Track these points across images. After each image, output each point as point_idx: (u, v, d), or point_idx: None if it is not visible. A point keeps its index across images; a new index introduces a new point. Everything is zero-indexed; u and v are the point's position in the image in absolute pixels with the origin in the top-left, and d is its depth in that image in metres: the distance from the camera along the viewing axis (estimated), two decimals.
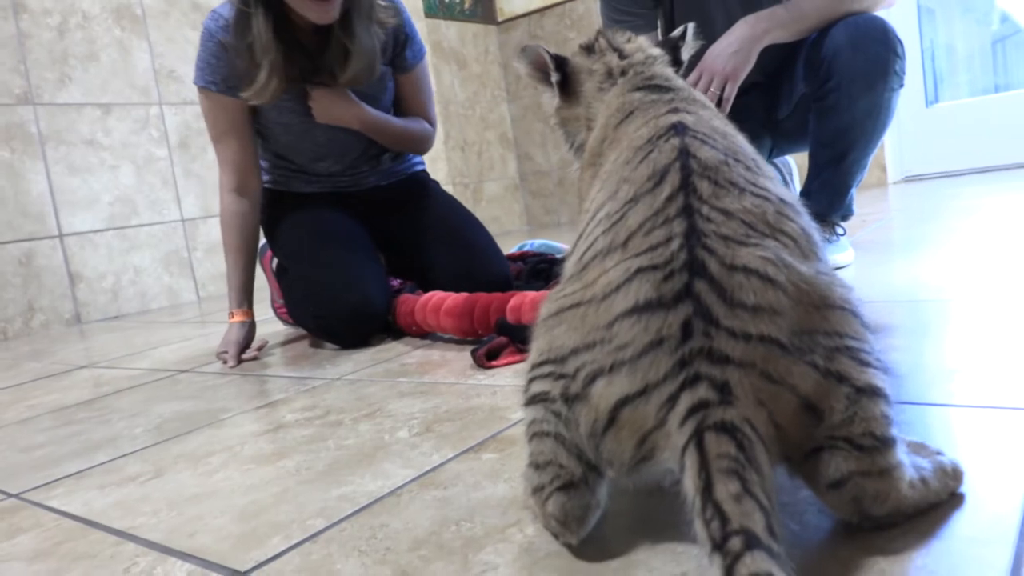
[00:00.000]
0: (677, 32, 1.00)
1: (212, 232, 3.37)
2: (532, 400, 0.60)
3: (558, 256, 2.21)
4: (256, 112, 1.73)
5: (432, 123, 1.91)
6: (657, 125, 0.70)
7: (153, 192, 3.20)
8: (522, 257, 2.19)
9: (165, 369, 1.72)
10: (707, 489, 0.46)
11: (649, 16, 1.83)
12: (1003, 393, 0.78)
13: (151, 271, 3.19)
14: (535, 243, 2.38)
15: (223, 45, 1.61)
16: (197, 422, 1.20)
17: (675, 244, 0.56)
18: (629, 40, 0.93)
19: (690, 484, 0.47)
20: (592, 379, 0.54)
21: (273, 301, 2.08)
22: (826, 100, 1.61)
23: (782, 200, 0.63)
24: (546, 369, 0.59)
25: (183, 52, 3.29)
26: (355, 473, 0.85)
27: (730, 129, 0.72)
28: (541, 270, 1.89)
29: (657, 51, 0.93)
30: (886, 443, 0.52)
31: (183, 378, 1.58)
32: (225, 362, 1.65)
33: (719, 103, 1.56)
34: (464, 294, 1.52)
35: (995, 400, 0.77)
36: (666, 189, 0.61)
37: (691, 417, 0.49)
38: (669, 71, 0.88)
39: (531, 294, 1.40)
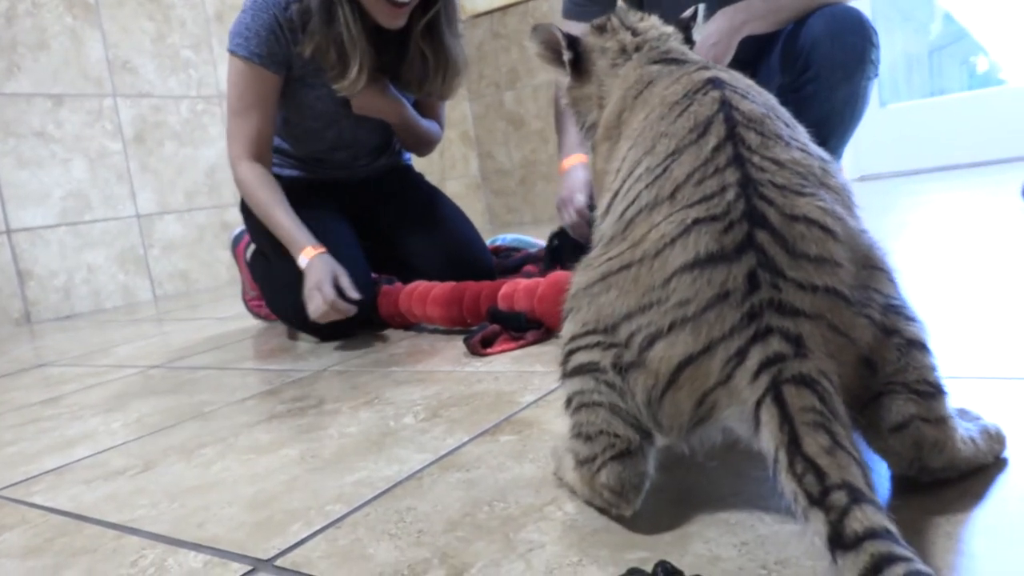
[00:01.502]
0: (688, 12, 0.99)
1: (169, 229, 3.27)
2: (577, 371, 0.58)
3: (532, 251, 2.20)
4: (288, 93, 1.68)
5: (442, 126, 1.91)
6: (691, 80, 0.69)
7: (107, 187, 3.08)
8: (495, 252, 2.18)
9: (133, 365, 1.65)
10: (794, 443, 0.44)
11: (607, 4, 1.78)
12: (984, 364, 0.79)
13: (105, 269, 3.07)
14: (507, 238, 2.36)
15: (278, 21, 1.56)
16: (181, 415, 1.15)
17: (731, 194, 0.55)
18: (642, 19, 0.92)
19: (770, 440, 0.46)
20: (651, 342, 0.53)
21: (245, 293, 2.02)
22: (804, 90, 1.63)
23: (822, 157, 0.63)
24: (591, 339, 0.57)
25: (138, 43, 3.18)
26: (366, 459, 0.82)
27: (768, 98, 0.71)
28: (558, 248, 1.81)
29: (670, 28, 0.92)
30: (939, 390, 0.53)
31: (155, 373, 1.52)
32: (324, 302, 1.42)
33: None
34: (451, 283, 1.49)
35: (976, 371, 0.77)
36: (711, 140, 0.59)
37: (765, 371, 0.48)
38: (684, 47, 0.88)
39: (523, 282, 1.38)
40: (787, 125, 0.64)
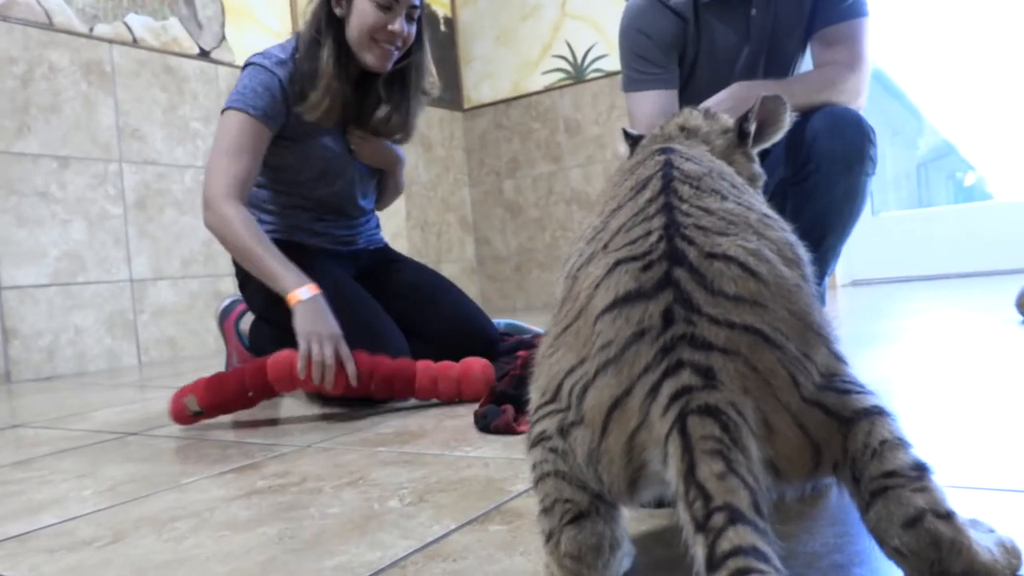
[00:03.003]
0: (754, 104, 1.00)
1: (161, 295, 3.25)
2: (534, 443, 0.57)
3: (525, 336, 2.19)
4: (297, 148, 1.73)
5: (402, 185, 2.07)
6: (646, 152, 0.73)
7: (104, 249, 3.08)
8: None
9: (111, 431, 1.60)
10: (690, 471, 0.43)
11: (671, 71, 1.80)
12: (990, 475, 0.77)
13: (92, 331, 3.03)
14: (501, 322, 2.35)
15: (277, 82, 1.65)
16: (156, 485, 1.10)
17: (654, 236, 0.56)
18: (704, 114, 0.95)
19: (673, 470, 0.45)
20: (584, 392, 0.52)
21: (230, 366, 1.98)
22: (806, 183, 1.64)
23: (767, 214, 0.63)
24: (546, 409, 0.57)
25: (149, 112, 3.25)
26: (347, 543, 0.78)
27: (721, 166, 0.74)
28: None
29: (727, 125, 0.95)
30: (923, 469, 0.50)
31: (133, 440, 1.47)
32: (318, 357, 1.42)
33: None
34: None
35: (983, 482, 0.75)
36: (647, 194, 0.62)
37: (674, 403, 0.47)
38: (691, 143, 0.89)
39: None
40: (733, 187, 0.66)
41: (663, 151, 0.69)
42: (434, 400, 1.55)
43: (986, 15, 3.85)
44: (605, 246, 0.59)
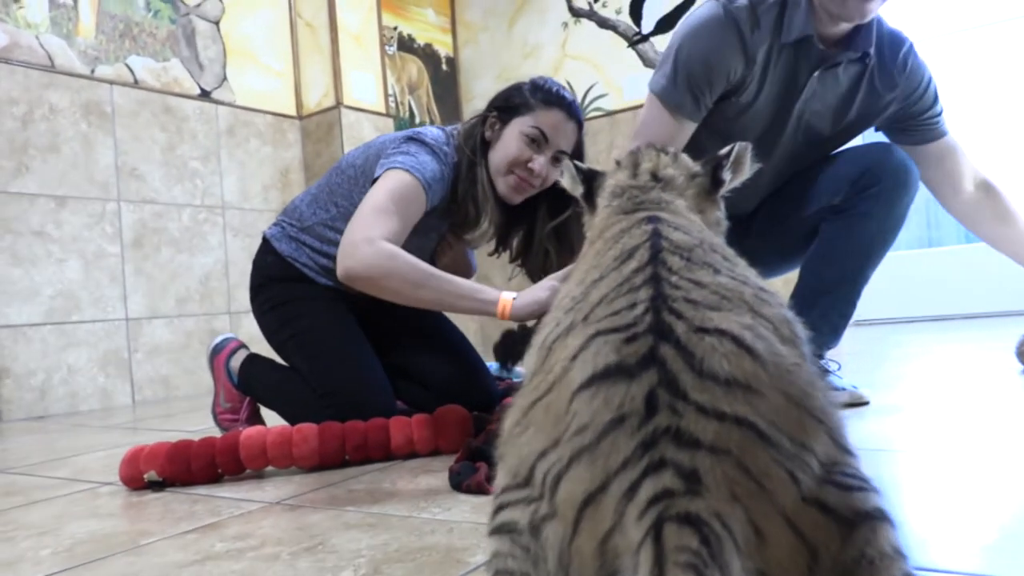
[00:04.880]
0: (724, 150, 0.96)
1: (156, 333, 3.24)
2: (497, 530, 0.53)
3: (516, 380, 2.17)
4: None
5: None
6: (631, 219, 0.69)
7: (99, 288, 3.08)
8: None
9: (86, 480, 1.58)
10: None
11: (702, 106, 1.64)
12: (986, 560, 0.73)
13: (85, 371, 3.02)
14: (492, 366, 2.32)
15: (446, 175, 1.65)
16: (113, 547, 1.07)
17: (639, 308, 0.51)
18: (659, 156, 0.92)
19: None
20: (557, 481, 0.47)
21: (217, 406, 1.96)
22: (857, 208, 1.61)
23: (762, 288, 0.59)
24: (516, 495, 0.52)
25: (148, 151, 3.27)
26: None
27: (711, 237, 0.70)
28: None
29: (690, 170, 0.92)
30: None
31: (104, 491, 1.45)
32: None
33: None
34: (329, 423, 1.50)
35: (978, 567, 0.72)
36: (633, 263, 0.57)
37: (651, 508, 0.42)
38: (668, 196, 0.86)
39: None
40: (725, 259, 0.62)
41: (650, 220, 0.65)
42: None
43: (992, 52, 3.85)
44: (585, 317, 0.55)
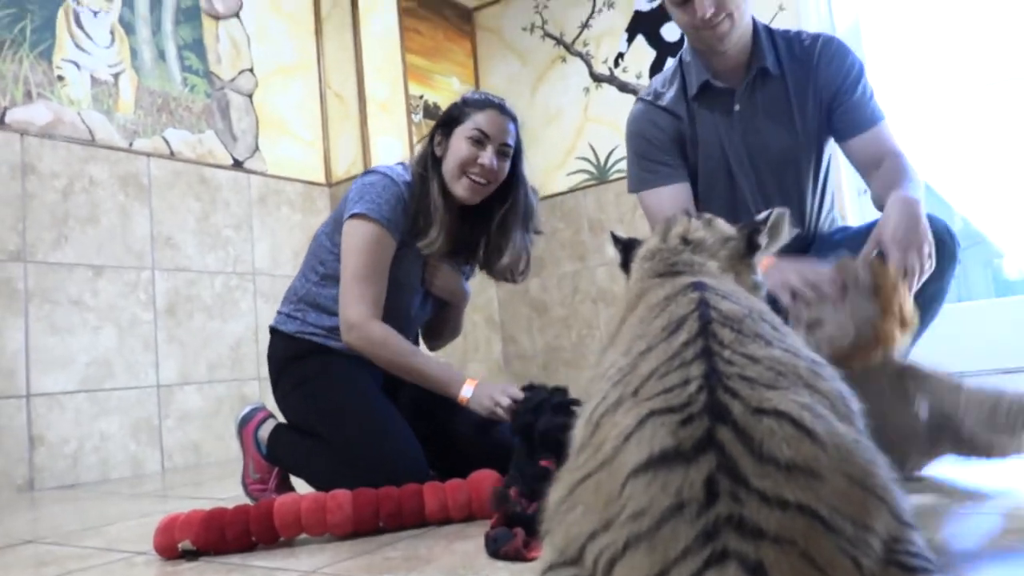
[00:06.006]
0: (762, 215, 0.98)
1: (188, 400, 3.26)
2: None
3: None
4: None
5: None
6: (675, 285, 0.68)
7: (132, 355, 3.12)
8: None
9: (120, 549, 1.57)
10: None
11: (677, 167, 1.83)
12: None
13: (117, 438, 3.03)
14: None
15: (403, 195, 1.79)
16: None
17: (693, 386, 0.50)
18: (690, 222, 0.93)
19: None
20: (611, 566, 0.46)
21: (246, 476, 1.96)
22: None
23: (815, 360, 0.58)
24: (563, 573, 0.51)
25: (182, 220, 3.35)
26: None
27: (758, 304, 0.69)
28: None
29: (724, 233, 0.92)
30: None
31: (139, 561, 1.44)
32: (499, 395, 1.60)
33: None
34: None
35: None
36: (682, 336, 0.56)
37: None
38: (700, 258, 0.86)
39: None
40: (774, 328, 0.61)
41: (695, 287, 0.64)
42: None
43: (998, 100, 3.86)
44: (635, 392, 0.54)
